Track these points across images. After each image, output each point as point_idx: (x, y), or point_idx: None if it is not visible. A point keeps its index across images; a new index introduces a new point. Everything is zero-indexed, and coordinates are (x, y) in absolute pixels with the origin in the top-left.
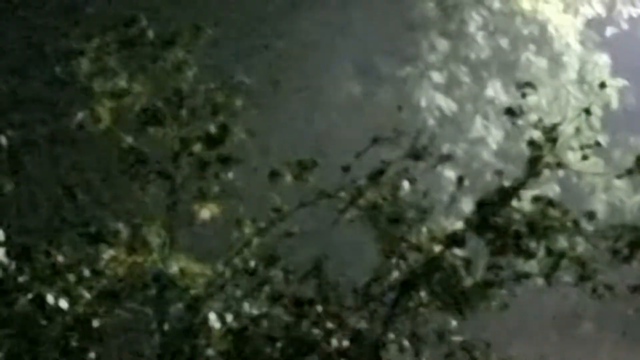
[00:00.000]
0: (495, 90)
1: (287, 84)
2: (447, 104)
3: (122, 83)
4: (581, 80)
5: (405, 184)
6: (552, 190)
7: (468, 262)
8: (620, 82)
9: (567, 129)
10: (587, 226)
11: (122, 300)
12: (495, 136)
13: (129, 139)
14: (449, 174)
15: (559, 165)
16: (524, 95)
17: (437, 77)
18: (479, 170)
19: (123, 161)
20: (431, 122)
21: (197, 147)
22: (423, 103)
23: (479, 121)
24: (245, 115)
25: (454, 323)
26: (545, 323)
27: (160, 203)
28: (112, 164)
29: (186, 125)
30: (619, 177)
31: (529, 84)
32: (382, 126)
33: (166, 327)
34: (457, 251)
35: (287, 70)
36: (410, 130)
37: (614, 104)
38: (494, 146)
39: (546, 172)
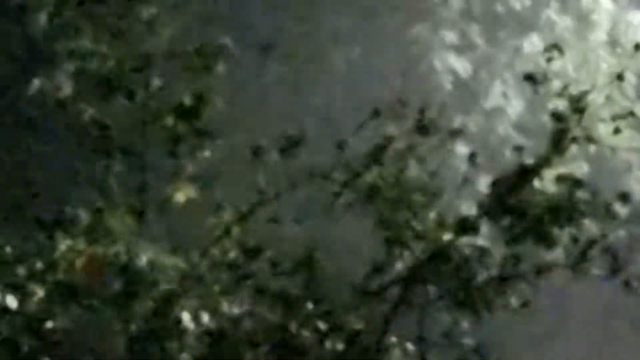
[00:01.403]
0: (514, 54)
1: (276, 48)
2: (463, 67)
3: (86, 44)
4: (613, 42)
5: (411, 163)
6: (580, 168)
7: (482, 252)
8: None
9: (596, 98)
10: (620, 210)
11: (81, 297)
12: (514, 106)
13: (91, 111)
14: (462, 150)
15: (588, 139)
16: (549, 60)
17: (450, 37)
18: (496, 146)
19: (84, 137)
20: (444, 89)
21: (170, 120)
22: (437, 66)
23: (496, 89)
24: (227, 84)
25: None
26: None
27: (126, 185)
28: (71, 141)
29: (158, 94)
30: None
31: (555, 47)
32: (385, 96)
33: (132, 328)
34: (470, 239)
35: (277, 32)
36: (419, 101)
37: None
38: (513, 118)
39: (573, 148)
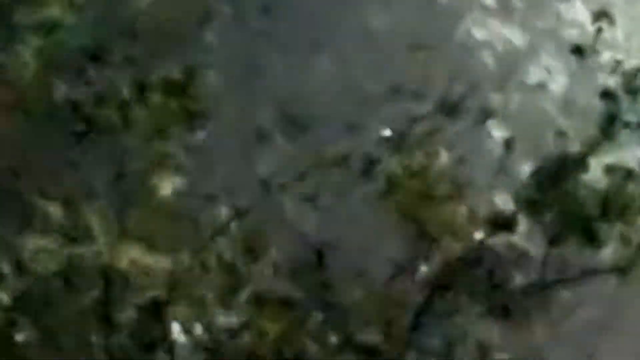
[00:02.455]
0: (557, 20)
1: (280, 11)
2: (511, 36)
3: (53, 13)
4: None
5: (437, 149)
6: (635, 157)
7: (520, 254)
8: None
9: None
10: None
11: (55, 305)
12: (558, 83)
13: (63, 88)
14: (497, 134)
15: None
16: (599, 30)
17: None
18: (537, 129)
19: (55, 119)
20: (481, 62)
21: (155, 98)
22: (477, 35)
23: (540, 62)
24: (221, 54)
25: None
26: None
27: (105, 175)
28: (41, 124)
29: (140, 67)
30: None
31: (604, 14)
32: (410, 72)
33: (114, 340)
34: (506, 238)
35: None
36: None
37: None
38: (557, 96)
39: (625, 134)
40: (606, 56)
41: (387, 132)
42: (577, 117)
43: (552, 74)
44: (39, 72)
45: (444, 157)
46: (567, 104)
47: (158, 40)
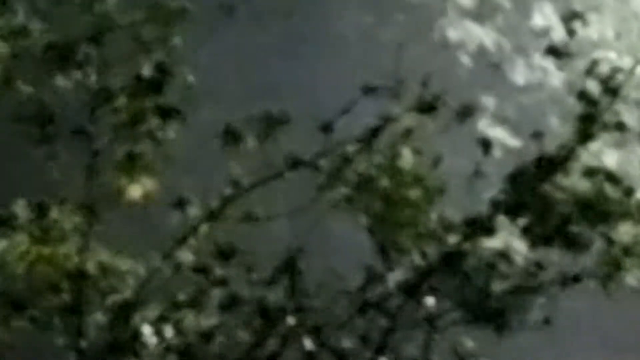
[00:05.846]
0: (544, 20)
1: (252, 11)
2: (484, 36)
3: (19, 18)
4: None
5: (410, 149)
6: (613, 160)
7: (500, 258)
8: None
9: (636, 75)
10: None
11: (24, 307)
12: (539, 83)
13: (29, 89)
14: (475, 134)
15: (619, 126)
16: (571, 33)
17: (465, 0)
18: (516, 130)
19: (21, 120)
20: (459, 62)
21: (122, 100)
22: (451, 35)
23: (523, 62)
24: (191, 53)
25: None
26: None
27: (74, 176)
28: (9, 126)
29: (108, 67)
30: None
31: (577, 15)
32: (386, 71)
33: (84, 343)
34: (488, 242)
35: None
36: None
37: None
38: (537, 97)
39: (604, 136)
40: (585, 57)
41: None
42: (557, 118)
43: (532, 75)
44: (5, 75)
45: (418, 159)
46: (546, 105)
47: (125, 42)
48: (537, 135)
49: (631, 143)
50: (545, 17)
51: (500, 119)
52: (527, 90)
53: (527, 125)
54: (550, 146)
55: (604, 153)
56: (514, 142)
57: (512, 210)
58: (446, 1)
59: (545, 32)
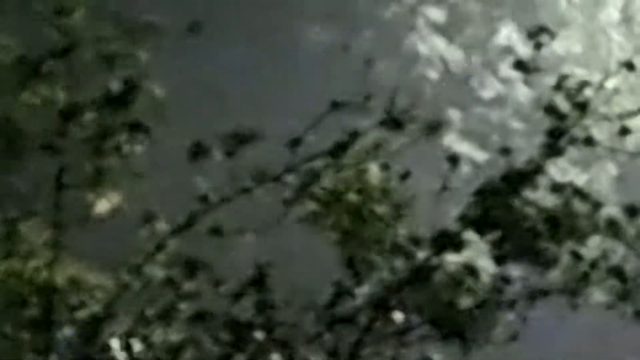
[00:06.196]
0: (509, 35)
1: (218, 26)
2: (451, 52)
3: None
4: (627, 20)
5: (382, 166)
6: (583, 174)
7: (467, 273)
8: None
9: (604, 90)
10: (630, 226)
11: None
12: (508, 98)
13: None
14: (444, 149)
15: (588, 141)
16: (538, 46)
17: (435, 14)
18: (484, 145)
19: None
20: (428, 77)
21: (90, 115)
22: (422, 50)
23: (493, 77)
24: (159, 69)
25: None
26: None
27: (42, 191)
28: None
29: (76, 82)
30: None
31: (544, 30)
32: (353, 87)
33: (53, 358)
34: (453, 257)
35: (221, 5)
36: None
37: None
38: (505, 111)
39: (572, 151)
40: (553, 71)
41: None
42: (525, 133)
43: (500, 90)
44: None
45: (386, 173)
46: (514, 119)
47: (92, 56)
48: (505, 151)
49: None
50: (509, 33)
51: (466, 134)
52: (494, 104)
53: (493, 140)
54: (517, 161)
55: (572, 169)
56: (480, 156)
57: (481, 225)
58: (416, 16)
59: (509, 48)
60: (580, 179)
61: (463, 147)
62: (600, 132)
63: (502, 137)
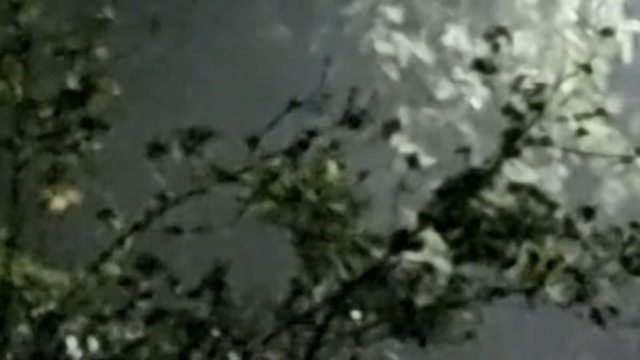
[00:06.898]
0: (459, 36)
1: (176, 24)
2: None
3: None
4: (582, 23)
5: (340, 165)
6: (535, 175)
7: (425, 272)
8: (636, 26)
9: (561, 91)
10: (585, 226)
11: None
12: (467, 99)
13: None
14: (407, 148)
15: (545, 141)
16: (495, 47)
17: (393, 14)
18: (443, 145)
19: None
20: (386, 76)
21: (47, 111)
22: (378, 48)
23: (450, 77)
24: (117, 65)
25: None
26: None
27: None
28: None
29: (32, 79)
30: (637, 155)
31: (501, 31)
32: (312, 85)
33: (9, 356)
34: (410, 256)
35: (178, 3)
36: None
37: (627, 56)
38: (464, 112)
39: (529, 150)
40: (511, 71)
41: None
42: (484, 133)
43: (460, 90)
44: None
45: (343, 173)
46: (473, 120)
47: (50, 53)
48: (463, 150)
49: (552, 160)
50: (457, 34)
51: (414, 134)
52: (448, 105)
53: (446, 141)
54: (472, 161)
55: (526, 169)
56: (427, 160)
57: (440, 224)
58: (374, 14)
59: (466, 48)
60: (532, 178)
61: (407, 148)
62: (556, 134)
63: (464, 137)
